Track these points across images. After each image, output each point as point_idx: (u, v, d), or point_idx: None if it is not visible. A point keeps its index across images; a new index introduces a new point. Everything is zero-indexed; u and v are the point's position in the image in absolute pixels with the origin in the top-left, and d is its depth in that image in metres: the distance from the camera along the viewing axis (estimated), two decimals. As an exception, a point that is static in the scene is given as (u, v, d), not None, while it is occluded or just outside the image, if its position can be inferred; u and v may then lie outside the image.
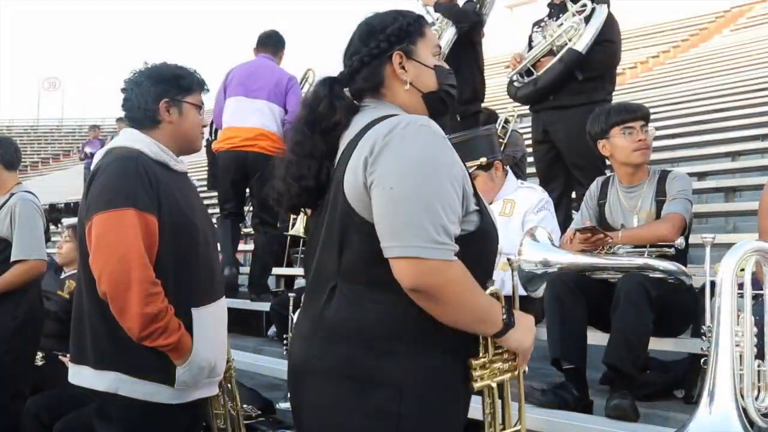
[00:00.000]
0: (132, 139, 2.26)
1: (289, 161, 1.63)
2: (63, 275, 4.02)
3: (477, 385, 1.55)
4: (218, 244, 2.73)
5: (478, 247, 1.55)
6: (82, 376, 2.17)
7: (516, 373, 1.60)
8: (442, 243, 1.42)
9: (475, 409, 1.65)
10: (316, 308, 1.57)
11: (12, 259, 3.43)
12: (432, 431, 1.52)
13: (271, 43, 5.36)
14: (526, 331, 1.58)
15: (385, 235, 1.44)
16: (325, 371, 1.53)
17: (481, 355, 1.55)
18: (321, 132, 1.60)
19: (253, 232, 5.77)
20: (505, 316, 1.52)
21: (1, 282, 3.39)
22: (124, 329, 2.04)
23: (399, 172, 1.44)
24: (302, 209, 1.67)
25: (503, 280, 2.81)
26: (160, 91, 2.28)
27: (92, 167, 2.26)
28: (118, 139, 2.30)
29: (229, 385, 2.58)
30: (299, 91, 5.34)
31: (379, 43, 1.62)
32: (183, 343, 2.09)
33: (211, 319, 2.22)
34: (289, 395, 1.76)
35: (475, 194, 1.57)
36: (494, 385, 1.57)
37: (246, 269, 6.02)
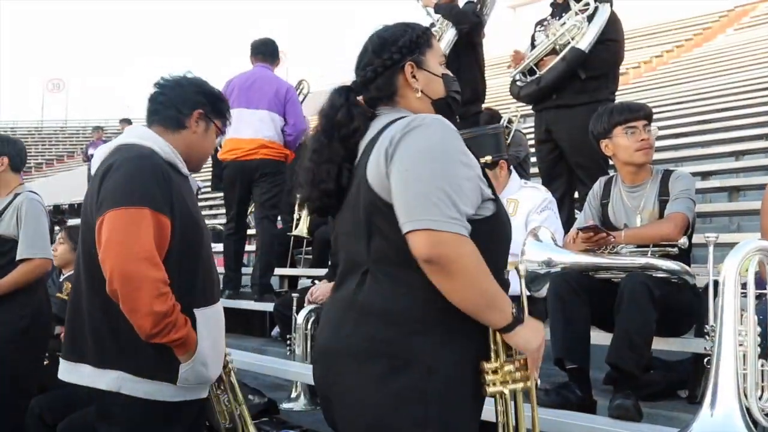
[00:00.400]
0: (142, 136, 2.23)
1: (308, 169, 1.72)
2: (62, 277, 4.03)
3: (490, 389, 1.58)
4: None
5: (494, 235, 1.62)
6: (79, 374, 2.14)
7: (528, 383, 1.63)
8: (453, 217, 1.49)
9: (488, 411, 1.66)
10: (347, 294, 1.63)
11: (17, 257, 3.39)
12: (455, 412, 1.55)
13: (268, 52, 5.47)
14: (535, 332, 1.62)
15: (401, 213, 1.52)
16: (353, 352, 1.58)
17: (492, 360, 1.59)
18: (340, 139, 1.69)
19: (255, 233, 5.79)
20: (514, 310, 1.57)
21: (7, 281, 3.37)
22: (126, 328, 2.02)
23: (413, 156, 1.54)
24: (324, 212, 1.75)
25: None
26: (200, 101, 2.30)
27: (97, 163, 2.21)
28: (127, 136, 2.26)
29: (231, 382, 2.56)
30: (297, 101, 5.48)
31: (392, 55, 1.72)
32: (190, 338, 2.09)
33: (213, 321, 2.22)
34: (315, 382, 1.78)
35: (490, 185, 1.64)
36: (507, 392, 1.60)
37: (249, 269, 6.03)
